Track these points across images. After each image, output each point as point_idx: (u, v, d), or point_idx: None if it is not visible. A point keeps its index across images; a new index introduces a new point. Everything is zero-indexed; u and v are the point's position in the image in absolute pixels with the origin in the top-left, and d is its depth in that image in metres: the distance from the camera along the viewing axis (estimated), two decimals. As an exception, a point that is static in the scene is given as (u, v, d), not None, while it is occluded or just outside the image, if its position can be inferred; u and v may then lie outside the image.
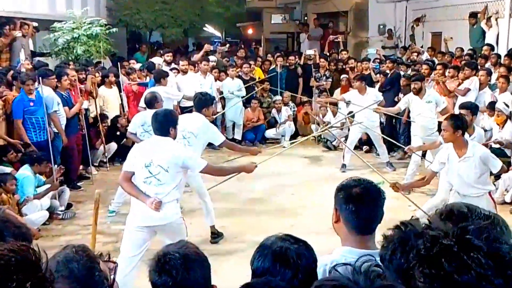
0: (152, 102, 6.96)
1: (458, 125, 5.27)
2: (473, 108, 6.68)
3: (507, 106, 8.11)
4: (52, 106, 7.70)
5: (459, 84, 9.09)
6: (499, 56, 10.00)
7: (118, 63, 10.79)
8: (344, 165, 9.51)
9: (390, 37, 16.19)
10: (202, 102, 6.39)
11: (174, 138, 4.87)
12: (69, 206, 7.42)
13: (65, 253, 1.81)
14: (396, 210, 7.33)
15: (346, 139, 11.41)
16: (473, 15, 12.06)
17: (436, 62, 11.40)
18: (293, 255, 1.99)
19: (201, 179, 6.44)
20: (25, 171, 6.77)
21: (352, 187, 2.39)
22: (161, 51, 13.33)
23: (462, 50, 11.53)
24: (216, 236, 6.43)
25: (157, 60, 11.42)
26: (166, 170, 4.60)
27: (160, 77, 8.90)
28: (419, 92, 8.31)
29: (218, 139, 6.38)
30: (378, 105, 8.99)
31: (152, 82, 9.77)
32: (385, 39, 16.32)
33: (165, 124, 4.75)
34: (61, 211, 7.17)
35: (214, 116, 9.34)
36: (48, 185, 7.02)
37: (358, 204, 2.33)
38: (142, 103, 7.78)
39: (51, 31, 11.65)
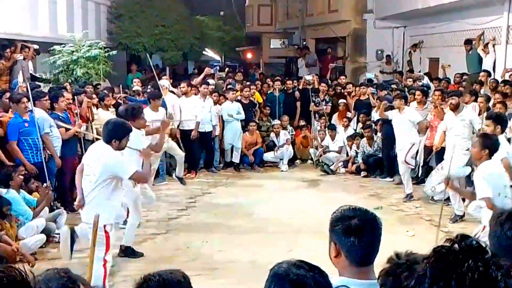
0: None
1: (487, 144, 5.27)
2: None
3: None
4: (43, 128, 7.69)
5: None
6: (497, 81, 10.06)
7: (120, 86, 10.83)
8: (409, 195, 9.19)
9: (388, 63, 16.31)
10: (130, 113, 6.42)
11: (119, 149, 5.09)
12: (65, 229, 7.36)
13: (46, 273, 1.87)
14: (395, 235, 7.31)
15: (344, 163, 11.46)
16: (468, 41, 12.18)
17: (433, 87, 11.49)
18: (310, 282, 1.89)
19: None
20: (8, 194, 6.69)
21: (350, 218, 2.33)
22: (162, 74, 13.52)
23: (461, 76, 11.59)
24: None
25: (164, 82, 11.52)
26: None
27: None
28: (456, 108, 8.29)
29: None
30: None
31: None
32: (383, 64, 16.46)
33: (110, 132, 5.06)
34: (57, 234, 7.09)
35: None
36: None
37: (359, 236, 2.27)
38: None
39: (51, 54, 11.74)
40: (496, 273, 1.33)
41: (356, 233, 2.27)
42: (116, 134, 5.04)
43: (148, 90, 11.08)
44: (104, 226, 5.02)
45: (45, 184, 7.18)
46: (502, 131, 6.32)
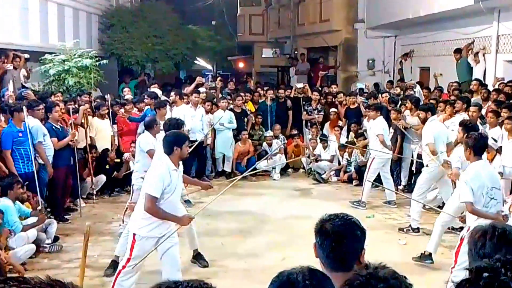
0: (151, 124, 7.07)
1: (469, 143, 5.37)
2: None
3: (495, 141, 8.16)
4: (37, 137, 7.66)
5: (449, 118, 9.18)
6: (489, 91, 10.09)
7: (109, 94, 10.81)
8: (362, 202, 9.23)
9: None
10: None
11: (181, 158, 5.20)
12: (56, 239, 7.28)
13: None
14: (387, 243, 7.32)
15: (336, 172, 11.47)
16: (458, 50, 12.25)
17: (423, 96, 11.53)
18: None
19: None
20: (3, 203, 6.64)
21: (325, 221, 2.42)
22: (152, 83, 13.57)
23: (457, 84, 11.58)
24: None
25: (156, 91, 11.57)
26: None
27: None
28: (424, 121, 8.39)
29: None
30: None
31: (148, 110, 9.87)
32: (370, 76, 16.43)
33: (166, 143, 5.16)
34: (47, 244, 7.03)
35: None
36: (35, 218, 6.91)
37: (325, 239, 2.35)
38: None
39: (41, 63, 11.69)
40: None
41: (321, 234, 2.38)
42: (177, 142, 5.10)
43: (139, 98, 11.10)
44: (134, 234, 5.07)
45: (39, 208, 7.14)
46: None
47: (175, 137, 5.21)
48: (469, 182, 5.17)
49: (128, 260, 5.05)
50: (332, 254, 2.34)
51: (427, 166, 7.91)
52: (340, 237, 2.35)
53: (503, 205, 7.41)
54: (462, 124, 6.74)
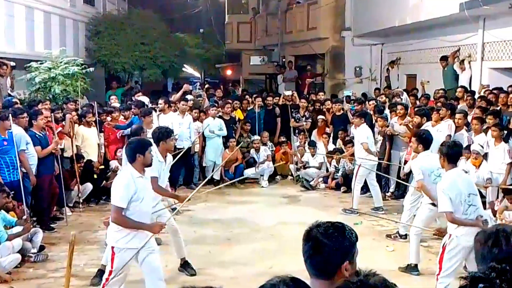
0: (137, 132, 7.01)
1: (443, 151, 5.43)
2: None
3: (482, 147, 8.22)
4: (20, 145, 7.58)
5: (435, 124, 9.23)
6: (474, 99, 10.15)
7: (95, 102, 10.74)
8: (354, 210, 9.28)
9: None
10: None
11: (145, 164, 5.01)
12: (41, 248, 7.19)
13: None
14: (375, 250, 7.32)
15: (324, 179, 11.48)
16: (444, 58, 12.36)
17: (410, 104, 11.59)
18: None
19: None
20: None
21: (312, 228, 2.42)
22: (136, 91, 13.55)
23: (443, 91, 11.65)
24: None
25: (143, 99, 11.53)
26: None
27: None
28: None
29: None
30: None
31: (136, 118, 9.83)
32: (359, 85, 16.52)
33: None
34: (33, 253, 6.94)
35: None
36: (20, 227, 6.83)
37: (305, 244, 2.38)
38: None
39: (27, 71, 11.60)
40: None
41: (304, 240, 2.41)
42: (139, 149, 4.98)
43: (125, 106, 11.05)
44: (112, 247, 4.96)
45: (24, 217, 7.06)
46: (425, 149, 6.56)
47: (137, 144, 5.09)
48: (446, 191, 5.13)
49: (110, 272, 4.98)
50: (309, 260, 2.35)
51: None
52: (318, 245, 2.33)
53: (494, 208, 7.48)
54: (416, 134, 6.76)
